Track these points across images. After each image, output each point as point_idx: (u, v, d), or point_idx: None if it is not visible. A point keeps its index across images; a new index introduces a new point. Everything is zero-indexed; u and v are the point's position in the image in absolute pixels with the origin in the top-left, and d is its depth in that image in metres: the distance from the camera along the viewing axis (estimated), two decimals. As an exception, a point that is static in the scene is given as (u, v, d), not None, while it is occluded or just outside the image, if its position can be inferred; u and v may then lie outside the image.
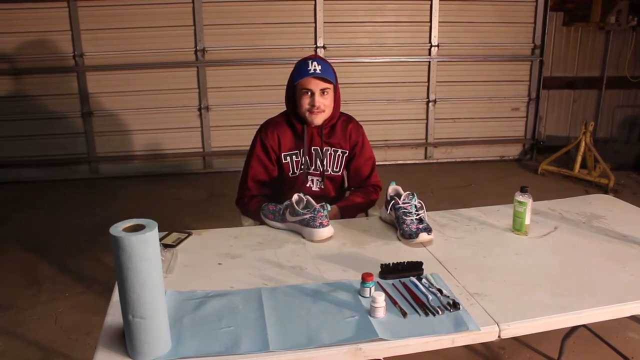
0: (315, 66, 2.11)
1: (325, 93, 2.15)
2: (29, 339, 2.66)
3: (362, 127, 2.34)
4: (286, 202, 1.95)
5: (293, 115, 2.23)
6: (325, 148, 2.25)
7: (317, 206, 1.88)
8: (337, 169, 2.28)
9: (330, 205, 2.25)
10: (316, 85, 2.13)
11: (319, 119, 2.18)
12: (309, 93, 2.14)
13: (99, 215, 4.27)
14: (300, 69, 2.14)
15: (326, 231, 1.87)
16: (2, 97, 5.02)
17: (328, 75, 2.13)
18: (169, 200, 4.67)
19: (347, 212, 2.21)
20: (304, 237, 1.89)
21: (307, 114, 2.17)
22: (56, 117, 5.12)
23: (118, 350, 1.25)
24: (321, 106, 2.15)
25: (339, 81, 2.25)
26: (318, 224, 1.86)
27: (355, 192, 2.33)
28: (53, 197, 4.78)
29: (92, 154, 5.26)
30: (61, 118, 5.13)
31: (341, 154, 2.27)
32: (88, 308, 2.91)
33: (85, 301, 3.01)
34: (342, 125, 2.28)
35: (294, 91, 2.19)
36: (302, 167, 2.24)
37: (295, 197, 1.94)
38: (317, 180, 2.27)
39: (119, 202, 4.64)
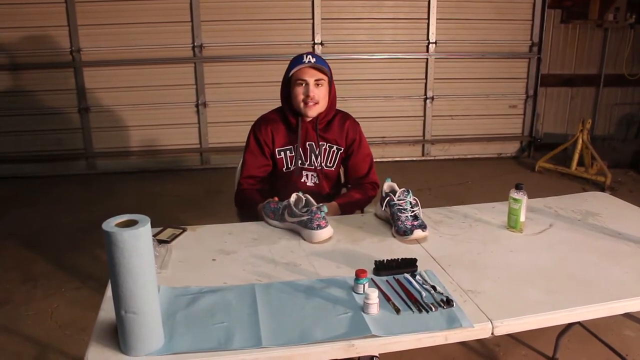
0: (310, 58, 2.14)
1: (320, 84, 2.16)
2: (25, 335, 2.66)
3: (359, 124, 2.34)
4: (285, 202, 1.94)
5: (288, 108, 2.23)
6: (320, 143, 2.25)
7: (314, 207, 1.86)
8: (331, 164, 2.28)
9: (327, 201, 2.26)
10: (311, 75, 2.14)
11: (313, 111, 2.18)
12: (304, 84, 2.14)
13: (95, 211, 4.26)
14: (295, 61, 2.16)
15: (324, 233, 1.85)
16: (-2, 92, 5.01)
17: (323, 65, 2.14)
18: (166, 196, 4.67)
19: (346, 208, 2.21)
20: (303, 239, 1.88)
21: (301, 105, 2.17)
22: (53, 112, 5.11)
23: (111, 345, 1.24)
24: (315, 97, 2.15)
25: (336, 77, 2.25)
26: (316, 226, 1.84)
27: (353, 189, 2.33)
28: (49, 192, 4.77)
29: (89, 149, 5.25)
30: (58, 113, 5.12)
31: (336, 150, 2.27)
32: (84, 304, 2.91)
33: (81, 297, 3.01)
34: (339, 122, 2.28)
35: (289, 85, 2.20)
36: (297, 162, 2.24)
37: (293, 197, 1.92)
38: (312, 175, 2.27)
39: (116, 198, 4.64)
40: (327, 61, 2.22)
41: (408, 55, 5.45)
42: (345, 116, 2.32)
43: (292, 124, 2.23)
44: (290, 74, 2.16)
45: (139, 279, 1.17)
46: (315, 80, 2.15)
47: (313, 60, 2.13)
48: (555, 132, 6.05)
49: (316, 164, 2.26)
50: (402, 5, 5.30)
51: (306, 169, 2.27)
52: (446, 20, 5.39)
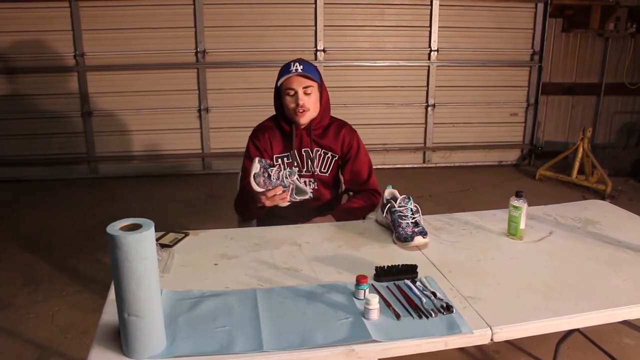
0: (297, 66, 2.15)
1: (309, 92, 2.17)
2: (26, 338, 2.66)
3: (356, 131, 2.34)
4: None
5: (281, 116, 2.25)
6: (315, 149, 2.26)
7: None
8: (325, 170, 2.29)
9: (328, 208, 2.27)
10: (299, 83, 2.15)
11: (304, 119, 2.19)
12: (293, 92, 2.16)
13: (97, 215, 4.28)
14: (284, 70, 2.18)
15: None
16: (2, 95, 5.03)
17: (310, 73, 2.15)
18: (168, 200, 4.68)
19: (343, 216, 2.22)
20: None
21: (292, 113, 2.19)
22: (56, 116, 5.14)
23: (113, 348, 1.25)
24: (305, 104, 2.16)
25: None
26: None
27: (355, 197, 2.34)
28: (52, 196, 4.79)
29: (92, 153, 5.27)
30: (61, 117, 5.15)
31: (331, 157, 2.28)
32: (85, 307, 2.92)
33: (82, 300, 3.02)
34: (335, 130, 2.29)
35: (280, 94, 2.21)
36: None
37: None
38: (309, 182, 2.28)
39: (118, 202, 4.65)
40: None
41: (410, 63, 5.47)
42: (342, 124, 2.34)
43: (287, 131, 2.25)
44: (279, 83, 2.18)
45: (142, 282, 1.18)
46: (304, 88, 2.15)
47: (300, 68, 2.14)
48: (556, 140, 6.07)
49: (312, 170, 2.28)
50: (404, 13, 5.34)
51: (303, 176, 2.28)
52: (448, 28, 5.43)
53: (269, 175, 1.94)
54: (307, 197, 1.99)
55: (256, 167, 1.94)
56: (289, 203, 2.01)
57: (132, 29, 5.02)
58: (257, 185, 1.95)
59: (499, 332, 1.36)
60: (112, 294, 1.41)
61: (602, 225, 2.07)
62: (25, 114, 5.08)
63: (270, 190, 1.94)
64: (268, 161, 2.02)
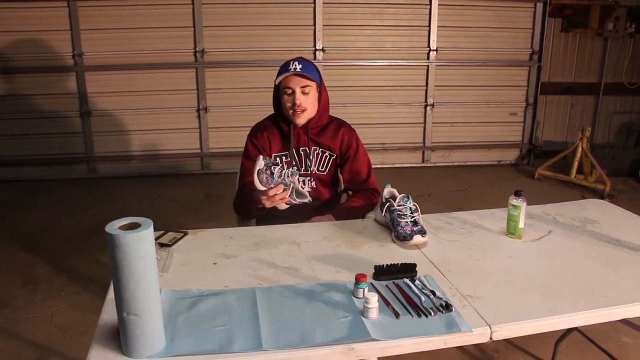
0: (296, 65, 2.14)
1: (307, 92, 2.17)
2: (25, 338, 2.66)
3: (355, 131, 2.34)
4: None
5: (279, 115, 2.26)
6: (313, 148, 2.26)
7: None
8: (323, 169, 2.29)
9: (327, 208, 2.27)
10: (296, 83, 2.15)
11: (301, 119, 2.19)
12: (290, 91, 2.16)
13: (96, 215, 4.27)
14: (283, 68, 2.18)
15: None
16: (0, 95, 5.02)
17: (308, 72, 2.15)
18: (166, 200, 4.68)
19: (342, 215, 2.22)
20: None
21: (290, 113, 2.19)
22: (55, 116, 5.13)
23: (112, 347, 1.25)
24: (302, 104, 2.16)
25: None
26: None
27: (354, 196, 2.34)
28: (50, 196, 4.78)
29: (90, 153, 5.27)
30: (60, 117, 5.14)
31: (328, 156, 2.28)
32: (84, 307, 2.92)
33: (81, 300, 3.02)
34: (334, 129, 2.29)
35: (279, 92, 2.22)
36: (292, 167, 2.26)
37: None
38: (308, 180, 2.28)
39: (116, 202, 4.65)
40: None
41: (409, 62, 5.47)
42: (341, 123, 2.34)
43: (285, 130, 2.25)
44: (277, 82, 2.18)
45: (141, 281, 1.18)
46: (301, 87, 2.15)
47: (299, 67, 2.13)
48: (555, 139, 6.07)
49: (310, 169, 2.28)
50: (403, 13, 5.34)
51: (302, 175, 2.28)
52: (447, 27, 5.43)
53: (272, 173, 1.93)
54: (306, 200, 1.98)
55: (260, 163, 1.93)
56: (288, 206, 2.00)
57: (131, 29, 5.02)
58: (260, 182, 1.94)
59: (498, 331, 1.36)
60: (111, 294, 1.40)
61: (601, 225, 2.07)
62: (23, 114, 5.08)
63: (271, 189, 1.93)
64: (272, 160, 2.02)
